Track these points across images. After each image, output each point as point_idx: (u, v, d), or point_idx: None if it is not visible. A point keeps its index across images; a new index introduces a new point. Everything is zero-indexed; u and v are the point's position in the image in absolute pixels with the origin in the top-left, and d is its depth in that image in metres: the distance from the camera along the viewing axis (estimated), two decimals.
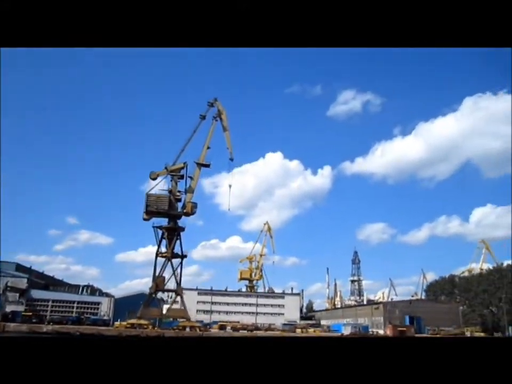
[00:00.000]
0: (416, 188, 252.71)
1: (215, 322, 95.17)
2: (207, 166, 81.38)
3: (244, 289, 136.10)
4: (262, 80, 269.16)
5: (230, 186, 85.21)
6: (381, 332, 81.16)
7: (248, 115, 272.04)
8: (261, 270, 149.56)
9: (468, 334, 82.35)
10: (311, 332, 76.78)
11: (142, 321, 68.30)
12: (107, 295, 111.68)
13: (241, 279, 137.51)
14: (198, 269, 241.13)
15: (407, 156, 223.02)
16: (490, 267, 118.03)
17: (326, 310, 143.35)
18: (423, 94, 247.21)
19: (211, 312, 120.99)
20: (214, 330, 74.34)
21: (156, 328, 67.22)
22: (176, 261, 77.13)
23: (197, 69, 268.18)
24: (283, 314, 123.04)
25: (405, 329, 77.75)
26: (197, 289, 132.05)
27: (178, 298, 77.30)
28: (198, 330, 68.32)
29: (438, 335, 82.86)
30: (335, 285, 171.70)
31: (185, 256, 79.20)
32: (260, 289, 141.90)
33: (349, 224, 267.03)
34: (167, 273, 76.79)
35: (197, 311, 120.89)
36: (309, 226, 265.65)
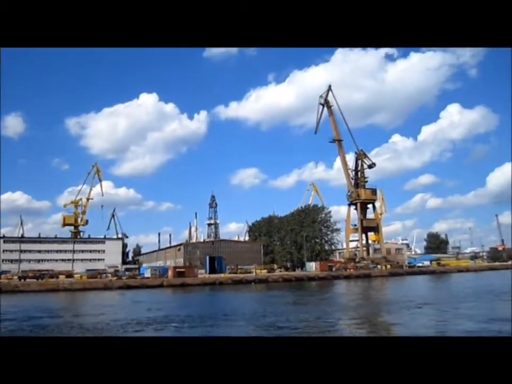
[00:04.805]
0: (287, 135, 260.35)
1: (24, 272, 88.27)
2: None
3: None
4: None
5: None
6: None
7: (121, 51, 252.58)
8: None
9: (253, 271, 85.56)
10: (77, 278, 72.54)
11: None
12: None
13: (65, 225, 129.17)
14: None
15: (280, 103, 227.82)
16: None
17: (146, 253, 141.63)
18: None
19: (20, 261, 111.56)
20: None
21: None
22: None
23: None
24: (103, 260, 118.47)
25: (184, 270, 77.25)
26: (3, 237, 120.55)
27: None
28: None
29: (236, 273, 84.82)
30: (190, 228, 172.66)
31: None
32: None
33: (223, 169, 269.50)
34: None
35: (3, 260, 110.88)
36: (184, 171, 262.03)
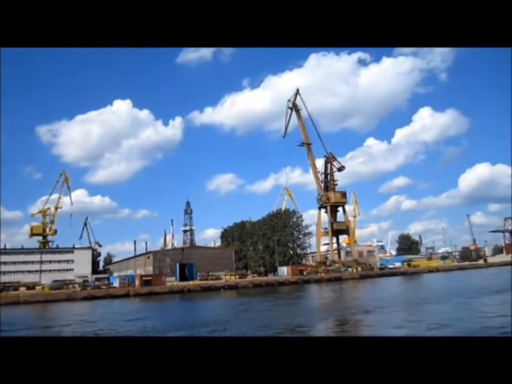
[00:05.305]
0: (263, 140, 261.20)
1: None
2: None
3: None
4: None
5: None
6: None
7: (94, 58, 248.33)
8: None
9: (223, 277, 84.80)
10: (39, 289, 70.53)
11: None
12: None
13: (33, 235, 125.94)
14: None
15: (255, 108, 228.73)
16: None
17: (116, 262, 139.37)
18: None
19: None
20: None
21: None
22: None
23: None
24: (72, 270, 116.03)
25: (151, 278, 76.04)
26: None
27: None
28: None
29: (207, 280, 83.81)
30: (165, 235, 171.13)
31: None
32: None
33: (200, 174, 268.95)
34: None
35: None
36: (160, 178, 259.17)
